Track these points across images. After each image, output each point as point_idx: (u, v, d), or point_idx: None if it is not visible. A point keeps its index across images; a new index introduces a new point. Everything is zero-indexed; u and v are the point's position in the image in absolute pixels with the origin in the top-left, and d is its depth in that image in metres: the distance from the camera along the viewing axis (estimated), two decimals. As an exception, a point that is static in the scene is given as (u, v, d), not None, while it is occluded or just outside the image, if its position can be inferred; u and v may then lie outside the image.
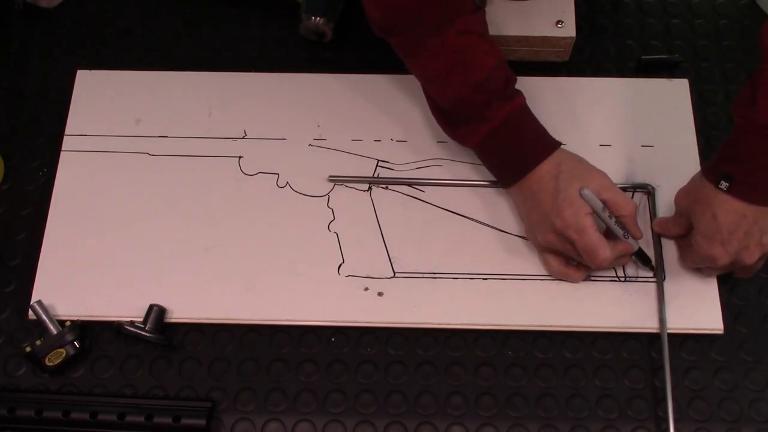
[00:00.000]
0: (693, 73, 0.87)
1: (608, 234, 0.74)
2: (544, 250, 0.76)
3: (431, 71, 0.74)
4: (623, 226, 0.73)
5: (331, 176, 0.82)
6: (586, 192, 0.71)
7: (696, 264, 0.75)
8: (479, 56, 0.72)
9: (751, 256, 0.71)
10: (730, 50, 0.89)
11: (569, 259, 0.76)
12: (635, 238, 0.75)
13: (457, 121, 0.76)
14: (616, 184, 0.73)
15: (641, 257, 0.77)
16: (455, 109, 0.74)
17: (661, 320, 0.75)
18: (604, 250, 0.71)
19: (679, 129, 0.84)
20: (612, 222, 0.73)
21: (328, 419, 0.73)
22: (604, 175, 0.74)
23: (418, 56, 0.75)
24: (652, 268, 0.77)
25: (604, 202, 0.72)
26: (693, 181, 0.74)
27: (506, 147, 0.74)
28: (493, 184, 0.81)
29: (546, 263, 0.77)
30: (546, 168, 0.73)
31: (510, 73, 0.74)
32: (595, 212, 0.71)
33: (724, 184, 0.69)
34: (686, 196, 0.74)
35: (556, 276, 0.77)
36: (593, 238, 0.71)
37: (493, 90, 0.73)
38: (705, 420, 0.73)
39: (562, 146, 0.74)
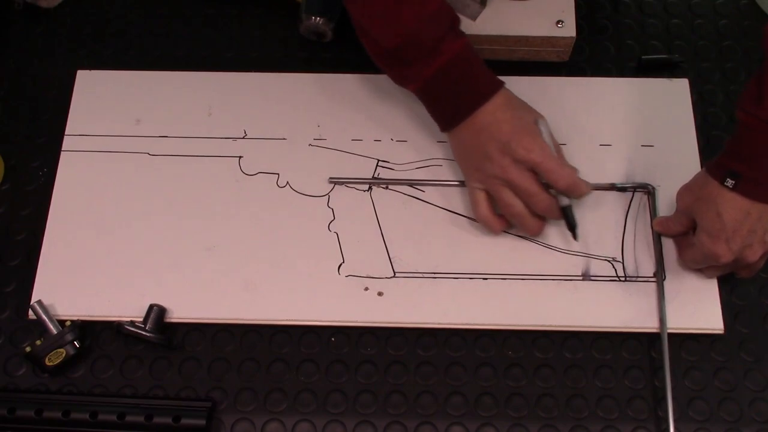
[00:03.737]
0: (693, 73, 0.87)
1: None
2: (480, 189, 0.76)
3: (379, 6, 0.72)
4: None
5: (331, 178, 0.82)
6: (543, 122, 0.73)
7: (698, 263, 0.75)
8: None
9: (754, 254, 0.71)
10: (730, 50, 0.89)
11: (495, 208, 0.76)
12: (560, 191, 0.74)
13: (402, 62, 0.74)
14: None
15: (567, 217, 0.76)
16: (404, 47, 0.72)
17: (662, 320, 0.75)
18: (569, 169, 0.72)
19: (679, 129, 0.84)
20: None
21: (328, 419, 0.73)
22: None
23: None
24: (574, 236, 0.77)
25: None
26: (696, 178, 0.74)
27: (457, 82, 0.73)
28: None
29: (476, 204, 0.76)
30: (500, 99, 0.73)
31: (455, 13, 0.74)
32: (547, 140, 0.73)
33: (729, 182, 0.68)
34: (689, 194, 0.74)
35: (480, 219, 0.77)
36: (557, 159, 0.72)
37: (445, 25, 0.72)
38: (705, 420, 0.73)
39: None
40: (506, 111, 0.73)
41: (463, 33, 0.74)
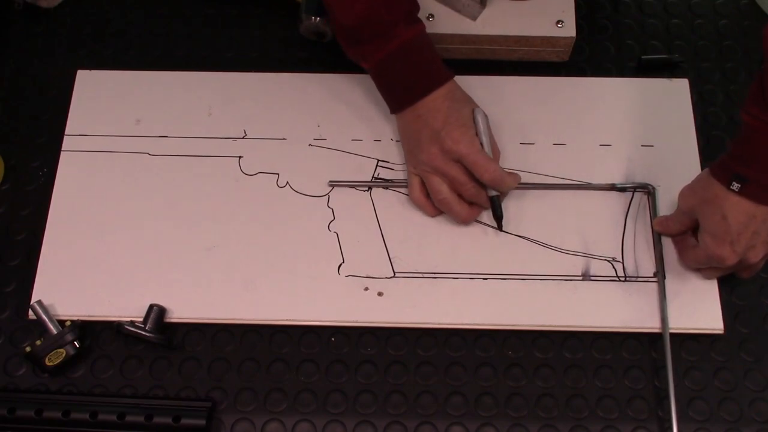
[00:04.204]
0: (693, 73, 0.87)
1: None
2: (414, 174, 0.78)
3: None
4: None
5: (331, 181, 0.82)
6: (480, 110, 0.75)
7: (700, 264, 0.75)
8: None
9: (756, 255, 0.71)
10: (730, 50, 0.89)
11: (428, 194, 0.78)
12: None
13: (358, 40, 0.76)
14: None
15: (493, 206, 0.78)
16: (361, 26, 0.75)
17: (663, 320, 0.75)
18: (493, 164, 0.74)
19: (679, 129, 0.84)
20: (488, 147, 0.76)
21: (328, 419, 0.73)
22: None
23: None
24: (499, 227, 0.78)
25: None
26: (700, 179, 0.73)
27: (406, 67, 0.76)
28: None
29: (410, 188, 0.79)
30: (442, 91, 0.75)
31: (414, 2, 0.76)
32: (481, 134, 0.76)
33: (735, 186, 0.68)
34: (692, 195, 0.74)
35: (414, 201, 0.79)
36: (484, 154, 0.74)
37: (401, 12, 0.74)
38: (705, 420, 0.73)
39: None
40: (444, 101, 0.75)
41: (419, 21, 0.76)
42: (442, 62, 0.77)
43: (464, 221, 0.78)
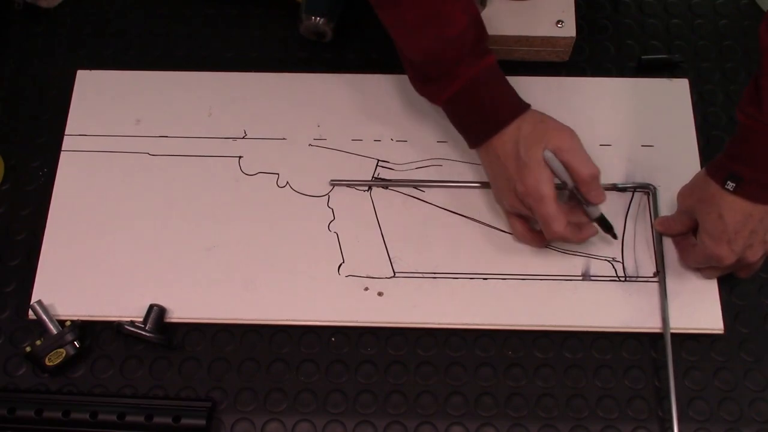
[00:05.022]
0: (693, 73, 0.87)
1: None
2: (510, 213, 0.77)
3: (407, 22, 0.73)
4: (579, 193, 0.72)
5: (332, 180, 0.82)
6: (548, 154, 0.70)
7: (699, 263, 0.75)
8: (456, 12, 0.71)
9: (755, 255, 0.71)
10: (730, 50, 0.89)
11: (532, 224, 0.76)
12: (590, 203, 0.73)
13: (427, 77, 0.75)
14: (579, 145, 0.72)
15: (603, 224, 0.75)
16: (426, 63, 0.74)
17: (664, 320, 0.75)
18: (558, 224, 0.71)
19: (679, 129, 0.84)
20: (569, 186, 0.72)
21: (328, 419, 0.73)
22: (568, 134, 0.72)
23: (394, 6, 0.73)
24: (613, 235, 0.76)
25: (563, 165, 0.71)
26: (697, 179, 0.74)
27: (473, 107, 0.74)
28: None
29: (512, 227, 0.78)
30: (509, 131, 0.72)
31: (482, 31, 0.74)
32: (555, 176, 0.71)
33: (730, 185, 0.68)
34: (690, 195, 0.74)
35: (520, 240, 0.78)
36: (549, 208, 0.71)
37: (464, 48, 0.72)
38: (705, 420, 0.73)
39: (530, 108, 0.74)
40: (513, 145, 0.72)
41: (488, 52, 0.73)
42: (514, 94, 0.74)
43: (541, 247, 0.78)
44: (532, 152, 0.70)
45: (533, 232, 0.77)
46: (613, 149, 0.83)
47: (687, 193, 0.75)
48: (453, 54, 0.72)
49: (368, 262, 0.78)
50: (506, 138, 0.72)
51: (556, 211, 0.71)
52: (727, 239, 0.70)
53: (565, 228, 0.72)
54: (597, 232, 0.75)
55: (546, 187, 0.70)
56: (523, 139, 0.71)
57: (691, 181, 0.75)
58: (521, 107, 0.73)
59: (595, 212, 0.74)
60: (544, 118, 0.73)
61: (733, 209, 0.69)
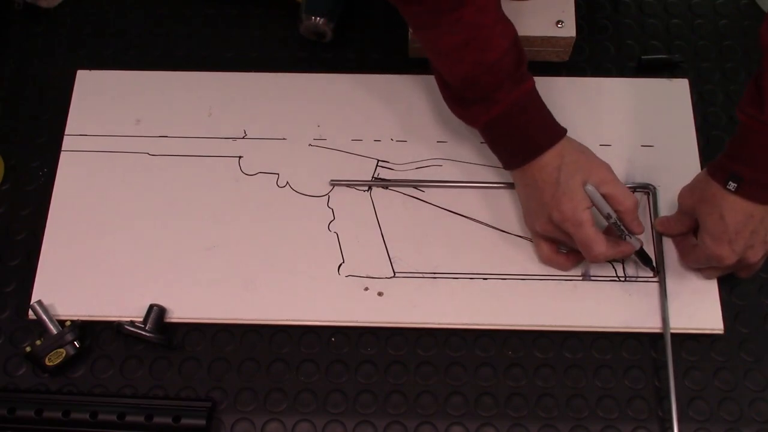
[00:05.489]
0: (693, 73, 0.87)
1: (610, 230, 0.74)
2: (538, 236, 0.77)
3: (445, 46, 0.72)
4: (622, 222, 0.73)
5: (332, 180, 0.82)
6: (590, 188, 0.71)
7: (700, 264, 0.75)
8: (495, 37, 0.71)
9: (756, 255, 0.71)
10: (730, 50, 0.89)
11: (560, 247, 0.76)
12: (632, 234, 0.74)
13: (464, 100, 0.75)
14: (617, 178, 0.73)
15: (641, 256, 0.76)
16: (464, 87, 0.73)
17: (664, 320, 0.75)
18: (599, 246, 0.71)
19: (679, 129, 0.84)
20: (611, 219, 0.72)
21: (328, 419, 0.73)
22: (607, 168, 0.73)
23: (432, 29, 0.72)
24: (652, 269, 0.77)
25: (603, 196, 0.72)
26: (698, 179, 0.74)
27: (512, 132, 0.73)
28: (493, 183, 0.81)
29: (538, 249, 0.77)
30: (549, 157, 0.72)
31: (522, 55, 0.73)
32: (595, 207, 0.71)
33: (732, 185, 0.68)
34: (691, 195, 0.74)
35: (545, 262, 0.77)
36: (590, 233, 0.71)
37: (503, 73, 0.71)
38: (705, 420, 0.73)
39: (567, 134, 0.74)
40: (553, 171, 0.72)
41: (527, 77, 0.73)
42: (552, 119, 0.74)
43: (569, 269, 0.78)
44: (573, 181, 0.71)
45: (560, 254, 0.77)
46: (613, 149, 0.83)
47: (687, 193, 0.75)
48: (492, 79, 0.71)
49: (368, 262, 0.78)
50: (545, 163, 0.72)
51: (596, 233, 0.71)
52: (728, 239, 0.70)
53: (607, 247, 0.72)
54: (634, 250, 0.75)
55: (585, 213, 0.71)
56: (565, 166, 0.72)
57: (691, 181, 0.75)
58: (559, 133, 0.73)
59: (636, 243, 0.74)
60: (583, 149, 0.74)
61: (734, 209, 0.69)
